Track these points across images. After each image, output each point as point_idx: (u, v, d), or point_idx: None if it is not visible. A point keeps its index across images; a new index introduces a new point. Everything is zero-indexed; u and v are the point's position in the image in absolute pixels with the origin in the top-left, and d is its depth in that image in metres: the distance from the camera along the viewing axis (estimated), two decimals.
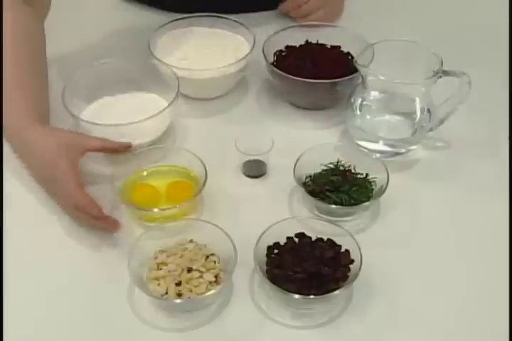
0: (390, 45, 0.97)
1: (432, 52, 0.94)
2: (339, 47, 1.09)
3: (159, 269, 0.82)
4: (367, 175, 0.93)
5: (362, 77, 0.95)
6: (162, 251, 0.84)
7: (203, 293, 0.80)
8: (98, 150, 0.92)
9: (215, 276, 0.82)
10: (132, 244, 0.84)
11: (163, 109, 0.95)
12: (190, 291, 0.80)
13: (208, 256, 0.83)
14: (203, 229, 0.84)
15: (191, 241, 0.85)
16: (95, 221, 0.87)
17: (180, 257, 0.83)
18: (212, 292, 0.79)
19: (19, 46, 0.94)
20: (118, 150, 0.92)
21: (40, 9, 1.00)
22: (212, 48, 1.09)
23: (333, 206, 0.88)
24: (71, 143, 0.89)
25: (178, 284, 0.80)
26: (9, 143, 0.92)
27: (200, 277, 0.81)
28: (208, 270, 0.82)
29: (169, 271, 0.81)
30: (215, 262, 0.83)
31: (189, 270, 0.82)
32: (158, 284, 0.81)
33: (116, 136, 0.93)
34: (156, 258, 0.83)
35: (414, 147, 0.99)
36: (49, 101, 0.96)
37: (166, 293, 0.80)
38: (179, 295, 0.80)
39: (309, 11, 1.18)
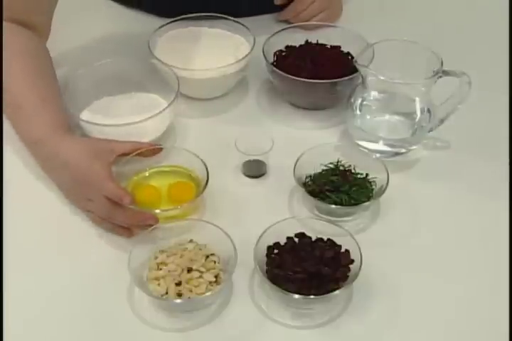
0: (390, 45, 0.97)
1: (431, 52, 0.94)
2: (339, 47, 1.08)
3: (159, 269, 0.82)
4: (367, 175, 0.93)
5: (362, 77, 0.95)
6: (162, 251, 0.84)
7: (203, 293, 0.80)
8: (127, 153, 0.90)
9: (215, 276, 0.82)
10: (132, 244, 0.84)
11: (163, 109, 0.95)
12: (190, 291, 0.80)
13: (208, 256, 0.83)
14: (203, 229, 0.84)
15: (191, 241, 0.85)
16: (131, 218, 0.85)
17: (180, 257, 0.83)
18: (212, 292, 0.79)
19: (27, 64, 0.95)
20: (148, 152, 0.91)
21: (40, 31, 1.01)
22: (212, 48, 1.09)
23: (333, 206, 0.88)
24: (101, 149, 0.89)
25: (178, 284, 0.80)
26: (35, 157, 0.93)
27: (200, 277, 0.81)
28: (208, 270, 0.82)
29: (169, 271, 0.81)
30: (215, 262, 0.83)
31: (189, 270, 0.81)
32: (158, 284, 0.81)
33: (117, 136, 0.92)
34: (156, 258, 0.83)
35: (414, 147, 0.99)
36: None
37: (166, 293, 0.80)
38: (179, 295, 0.80)
39: (309, 17, 1.17)
